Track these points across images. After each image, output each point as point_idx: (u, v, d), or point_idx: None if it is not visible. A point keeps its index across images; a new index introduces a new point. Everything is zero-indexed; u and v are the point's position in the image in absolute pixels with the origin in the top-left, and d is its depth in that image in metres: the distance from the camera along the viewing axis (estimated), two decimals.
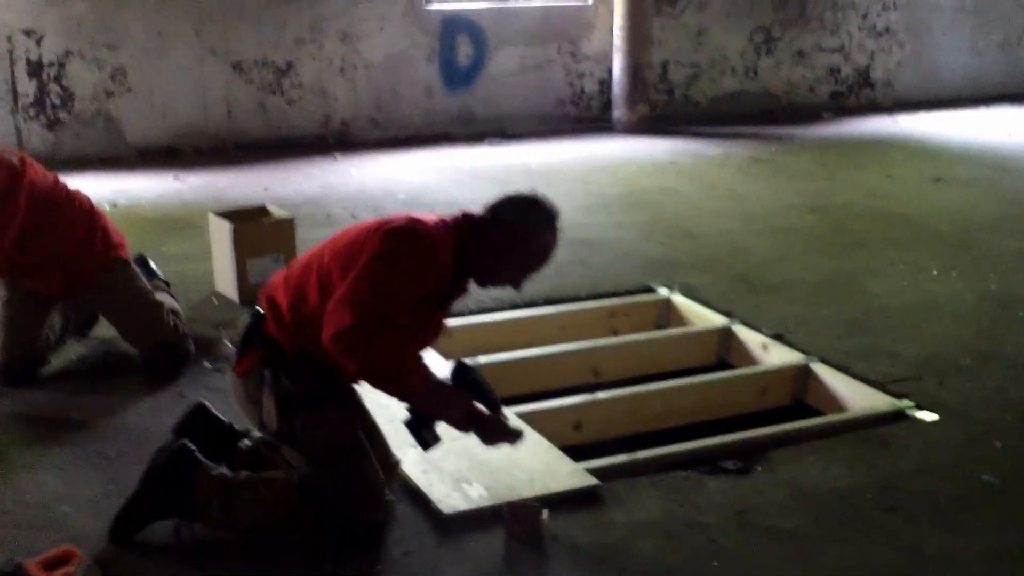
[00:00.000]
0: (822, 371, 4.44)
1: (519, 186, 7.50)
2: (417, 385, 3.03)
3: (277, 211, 5.52)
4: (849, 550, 3.17)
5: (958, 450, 3.78)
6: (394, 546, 3.15)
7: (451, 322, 4.87)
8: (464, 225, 3.21)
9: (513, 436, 3.16)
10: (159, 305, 4.50)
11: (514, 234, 3.15)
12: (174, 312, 4.59)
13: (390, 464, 3.35)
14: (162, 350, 4.38)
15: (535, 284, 5.30)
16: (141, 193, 7.64)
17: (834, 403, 4.36)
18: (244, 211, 5.59)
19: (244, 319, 4.75)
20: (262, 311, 3.24)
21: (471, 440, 3.16)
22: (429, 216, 3.24)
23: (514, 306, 5.20)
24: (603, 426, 4.19)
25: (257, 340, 3.21)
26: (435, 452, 3.23)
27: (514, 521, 3.20)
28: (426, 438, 3.14)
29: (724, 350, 4.93)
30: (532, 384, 4.61)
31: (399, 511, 3.27)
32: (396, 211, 6.94)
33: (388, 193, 7.56)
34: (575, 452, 4.01)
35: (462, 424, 3.12)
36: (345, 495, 3.11)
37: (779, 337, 4.78)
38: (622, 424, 4.22)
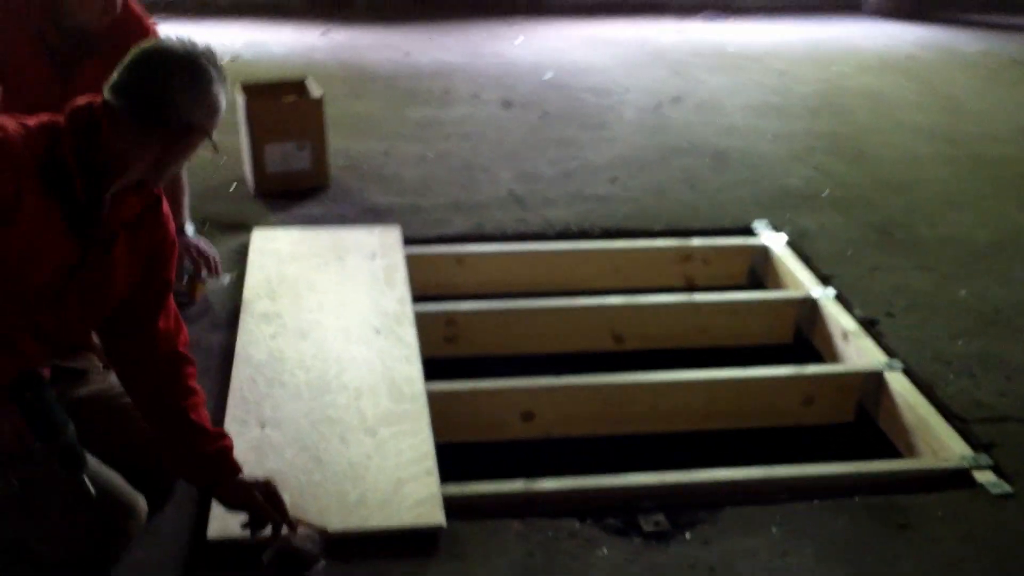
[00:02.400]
0: (898, 385, 3.14)
1: (695, 73, 6.42)
2: None
3: (313, 88, 4.62)
4: None
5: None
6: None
7: (470, 248, 3.90)
8: (68, 115, 2.04)
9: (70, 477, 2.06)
10: None
11: (139, 93, 2.01)
12: None
13: None
14: None
15: (596, 206, 4.27)
16: (272, 47, 6.96)
17: (899, 432, 3.07)
18: (281, 84, 4.74)
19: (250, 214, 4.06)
20: None
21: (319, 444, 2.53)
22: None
23: (561, 235, 4.12)
24: (563, 421, 3.14)
25: None
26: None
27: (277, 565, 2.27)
28: None
29: (808, 329, 3.67)
30: (528, 344, 3.60)
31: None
32: (531, 92, 5.93)
33: (536, 70, 6.51)
34: (520, 451, 3.04)
35: None
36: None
37: (871, 324, 3.48)
38: (590, 420, 3.15)
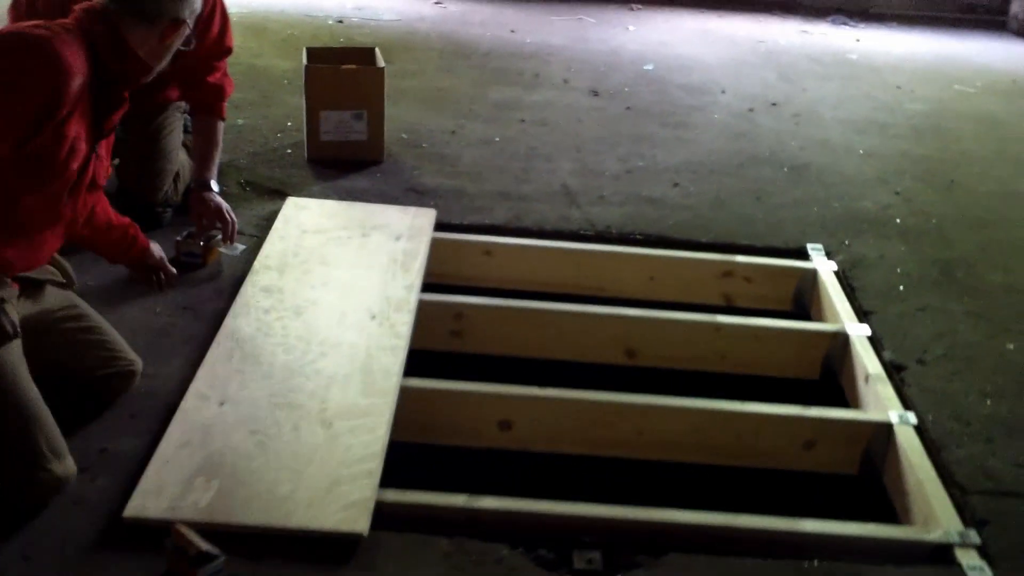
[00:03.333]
0: (905, 441, 2.91)
1: (804, 79, 6.11)
2: None
3: (379, 59, 4.54)
4: None
5: None
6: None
7: (500, 240, 3.79)
8: (87, 19, 2.42)
9: None
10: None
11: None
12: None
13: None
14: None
15: (648, 209, 4.09)
16: (382, 13, 6.93)
17: (899, 493, 2.85)
18: (349, 51, 4.68)
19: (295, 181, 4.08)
20: None
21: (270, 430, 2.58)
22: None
23: (600, 236, 3.96)
24: (542, 434, 2.99)
25: None
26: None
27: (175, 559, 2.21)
28: None
29: (838, 366, 3.45)
30: (535, 348, 3.47)
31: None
32: (622, 83, 5.75)
33: (637, 60, 6.32)
34: (500, 461, 2.93)
35: None
36: None
37: (897, 370, 3.24)
38: (570, 438, 3.00)
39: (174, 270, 3.09)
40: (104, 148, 2.58)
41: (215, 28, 3.60)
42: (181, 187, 3.81)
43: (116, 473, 2.48)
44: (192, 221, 3.52)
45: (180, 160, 3.82)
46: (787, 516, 2.56)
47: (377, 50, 4.56)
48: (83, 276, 3.28)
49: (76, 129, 2.35)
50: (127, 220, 2.91)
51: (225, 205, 3.54)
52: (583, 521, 2.47)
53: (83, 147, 2.41)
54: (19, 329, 2.34)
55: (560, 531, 2.44)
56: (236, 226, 3.55)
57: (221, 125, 3.70)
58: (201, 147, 3.65)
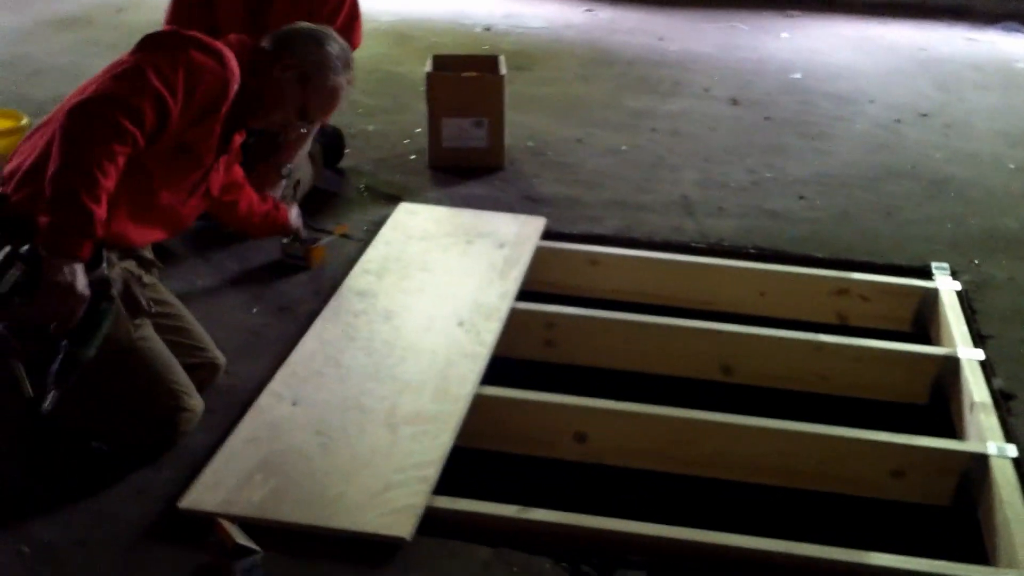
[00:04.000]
0: (1001, 475, 2.73)
1: (962, 89, 5.80)
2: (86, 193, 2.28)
3: (501, 67, 4.56)
4: None
5: None
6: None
7: (608, 250, 3.76)
8: (248, 47, 2.79)
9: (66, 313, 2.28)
10: None
11: (297, 65, 2.80)
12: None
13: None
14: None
15: (767, 223, 3.96)
16: (529, 21, 6.95)
17: (990, 529, 2.68)
18: (473, 59, 4.71)
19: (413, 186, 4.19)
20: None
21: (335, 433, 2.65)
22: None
23: (712, 249, 3.87)
24: (617, 448, 2.94)
25: None
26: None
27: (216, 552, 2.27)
28: None
29: (948, 393, 3.28)
30: (627, 360, 3.42)
31: None
32: (766, 92, 5.61)
33: (784, 69, 6.16)
34: (577, 473, 2.91)
35: (59, 245, 2.26)
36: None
37: (1007, 399, 3.05)
38: (647, 453, 2.94)
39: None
40: (224, 163, 2.83)
41: (338, 22, 3.69)
42: (300, 193, 3.89)
43: (182, 466, 2.55)
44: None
45: (303, 167, 3.89)
46: (866, 548, 2.43)
47: (501, 58, 4.58)
48: (193, 278, 3.41)
49: (217, 132, 2.64)
50: (268, 205, 3.26)
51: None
52: (631, 538, 2.41)
53: (212, 154, 2.67)
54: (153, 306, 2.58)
55: (608, 547, 2.39)
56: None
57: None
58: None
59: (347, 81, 2.87)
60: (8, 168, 2.50)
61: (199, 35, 2.60)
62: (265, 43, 2.81)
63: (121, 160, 2.33)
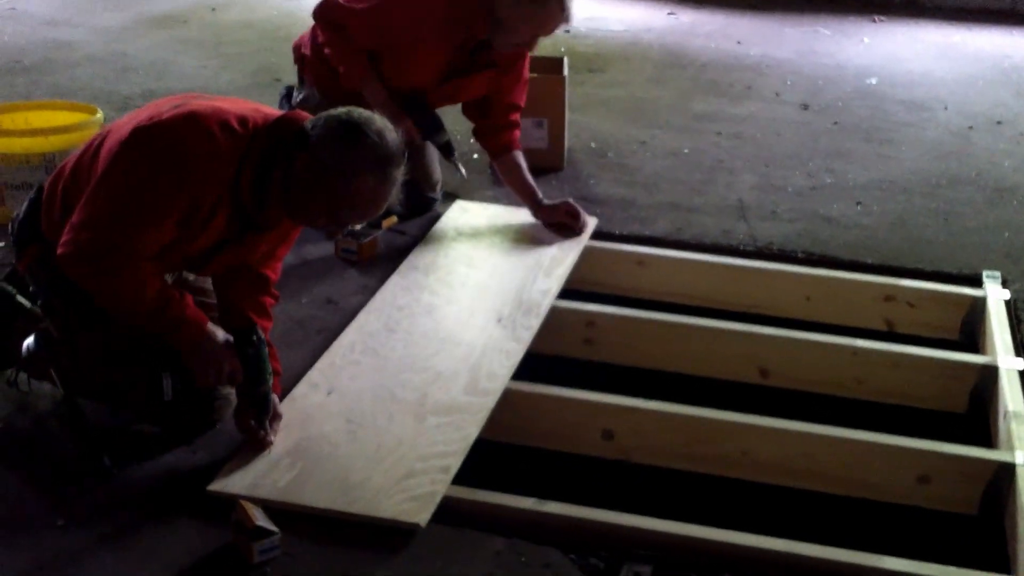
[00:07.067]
0: None
1: None
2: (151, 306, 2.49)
3: (565, 68, 4.62)
4: None
5: None
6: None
7: (655, 251, 3.81)
8: (265, 135, 2.48)
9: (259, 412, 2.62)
10: None
11: (319, 166, 2.43)
12: None
13: None
14: None
15: (820, 228, 3.97)
16: (611, 24, 7.00)
17: (1014, 538, 2.67)
18: (538, 60, 4.76)
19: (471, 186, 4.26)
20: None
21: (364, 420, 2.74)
22: (234, 107, 2.45)
23: (760, 253, 3.89)
24: (643, 446, 2.99)
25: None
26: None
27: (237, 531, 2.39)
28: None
29: (986, 402, 3.27)
30: (665, 361, 3.47)
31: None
32: (837, 97, 5.58)
33: (860, 74, 6.12)
34: (602, 470, 2.97)
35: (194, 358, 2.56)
36: None
37: None
38: (673, 452, 2.98)
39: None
40: (255, 241, 2.68)
41: (517, 76, 3.86)
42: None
43: (216, 450, 2.67)
44: None
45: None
46: (889, 554, 2.44)
47: (566, 59, 4.64)
48: None
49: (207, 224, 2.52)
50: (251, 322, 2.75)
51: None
52: (640, 533, 2.46)
53: (214, 235, 2.57)
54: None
55: (618, 541, 2.45)
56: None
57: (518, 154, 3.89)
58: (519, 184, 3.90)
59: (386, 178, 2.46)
60: (63, 180, 2.60)
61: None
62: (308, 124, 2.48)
63: (149, 268, 2.48)
